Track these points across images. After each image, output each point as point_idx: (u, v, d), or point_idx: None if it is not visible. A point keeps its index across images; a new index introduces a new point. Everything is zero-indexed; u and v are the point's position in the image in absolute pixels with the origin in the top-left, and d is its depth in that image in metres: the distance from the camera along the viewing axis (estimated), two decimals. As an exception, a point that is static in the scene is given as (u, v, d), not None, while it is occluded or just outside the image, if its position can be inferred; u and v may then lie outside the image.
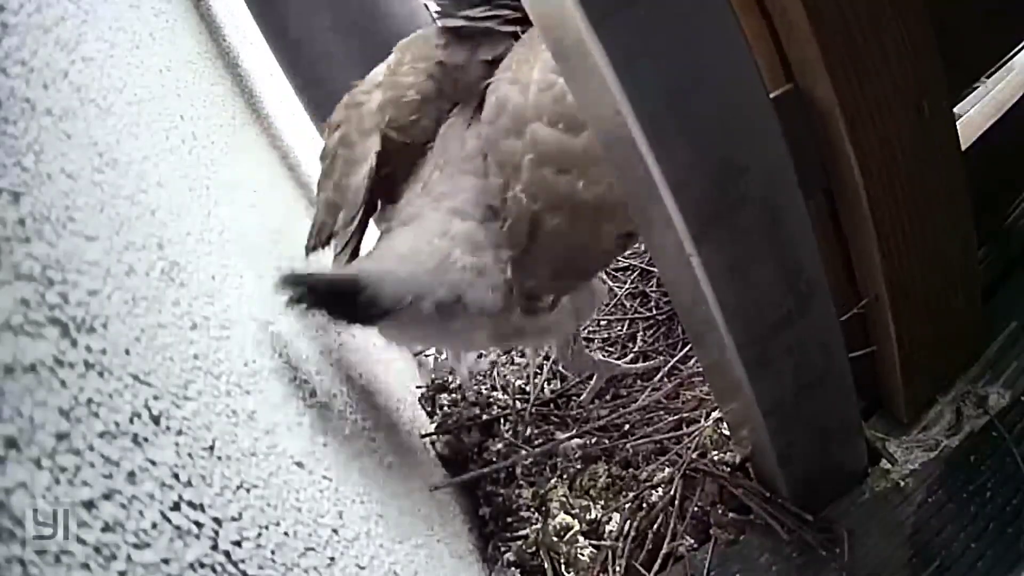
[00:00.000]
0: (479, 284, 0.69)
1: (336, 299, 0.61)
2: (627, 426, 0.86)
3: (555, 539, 0.73)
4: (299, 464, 0.48)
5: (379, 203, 0.79)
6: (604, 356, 1.01)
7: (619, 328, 1.07)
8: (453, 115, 0.78)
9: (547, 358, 1.06)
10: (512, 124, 0.69)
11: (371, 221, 0.79)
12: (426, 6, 1.24)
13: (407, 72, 0.81)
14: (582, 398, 0.97)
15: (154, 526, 0.30)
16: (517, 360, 1.10)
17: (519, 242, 0.68)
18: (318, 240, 0.78)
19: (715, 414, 0.77)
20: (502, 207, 0.69)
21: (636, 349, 1.01)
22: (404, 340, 0.80)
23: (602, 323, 1.09)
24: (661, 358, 0.97)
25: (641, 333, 1.05)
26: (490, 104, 0.72)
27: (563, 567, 0.71)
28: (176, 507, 0.32)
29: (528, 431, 0.93)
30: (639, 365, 0.97)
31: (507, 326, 0.73)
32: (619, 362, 0.99)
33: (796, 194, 0.53)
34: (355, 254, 0.75)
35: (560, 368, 1.04)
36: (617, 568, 0.69)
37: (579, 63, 0.48)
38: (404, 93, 0.79)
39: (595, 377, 0.97)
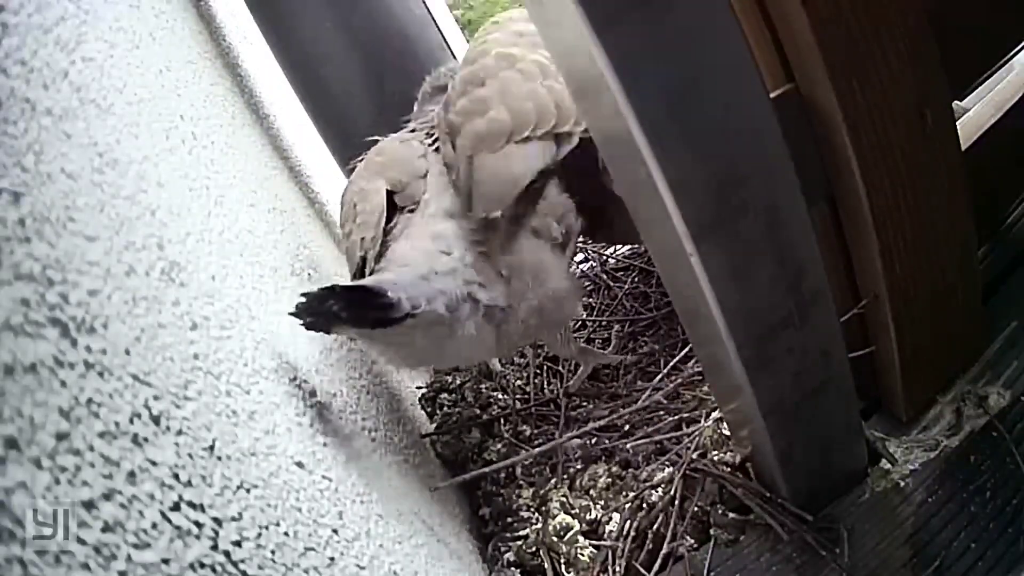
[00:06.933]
0: (478, 274, 0.72)
1: (360, 305, 0.62)
2: (627, 426, 0.86)
3: (555, 539, 0.73)
4: (299, 464, 0.48)
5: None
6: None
7: (619, 328, 1.07)
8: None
9: (547, 359, 1.06)
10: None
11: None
12: (429, 11, 1.25)
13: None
14: (569, 384, 0.99)
15: (154, 526, 0.30)
16: (517, 360, 1.10)
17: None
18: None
19: (715, 414, 0.76)
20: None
21: (636, 349, 1.02)
22: (414, 356, 0.79)
23: (603, 323, 1.10)
24: (661, 352, 0.98)
25: (641, 333, 1.05)
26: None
27: (563, 567, 0.72)
28: (176, 507, 0.32)
29: (528, 431, 0.94)
30: (621, 357, 0.99)
31: (514, 324, 0.75)
32: (604, 352, 1.01)
33: (796, 194, 0.53)
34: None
35: (560, 368, 1.04)
36: (617, 568, 0.69)
37: (579, 64, 0.48)
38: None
39: (582, 367, 0.99)
